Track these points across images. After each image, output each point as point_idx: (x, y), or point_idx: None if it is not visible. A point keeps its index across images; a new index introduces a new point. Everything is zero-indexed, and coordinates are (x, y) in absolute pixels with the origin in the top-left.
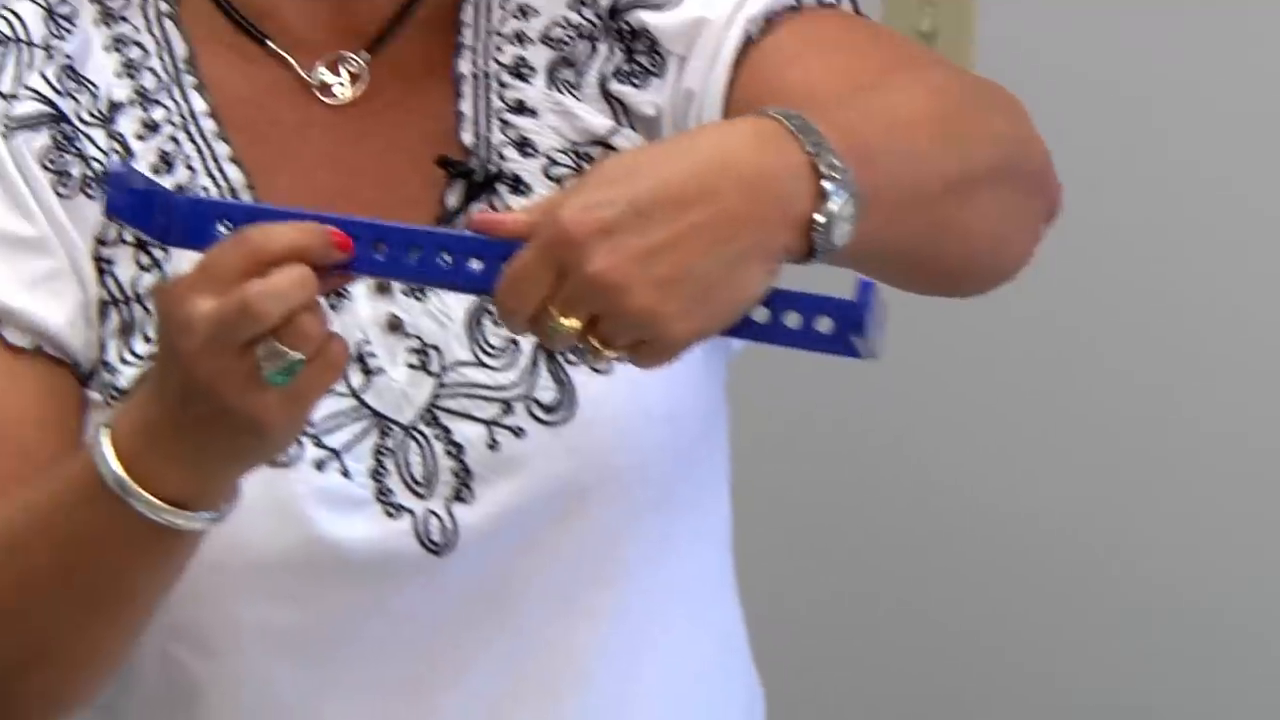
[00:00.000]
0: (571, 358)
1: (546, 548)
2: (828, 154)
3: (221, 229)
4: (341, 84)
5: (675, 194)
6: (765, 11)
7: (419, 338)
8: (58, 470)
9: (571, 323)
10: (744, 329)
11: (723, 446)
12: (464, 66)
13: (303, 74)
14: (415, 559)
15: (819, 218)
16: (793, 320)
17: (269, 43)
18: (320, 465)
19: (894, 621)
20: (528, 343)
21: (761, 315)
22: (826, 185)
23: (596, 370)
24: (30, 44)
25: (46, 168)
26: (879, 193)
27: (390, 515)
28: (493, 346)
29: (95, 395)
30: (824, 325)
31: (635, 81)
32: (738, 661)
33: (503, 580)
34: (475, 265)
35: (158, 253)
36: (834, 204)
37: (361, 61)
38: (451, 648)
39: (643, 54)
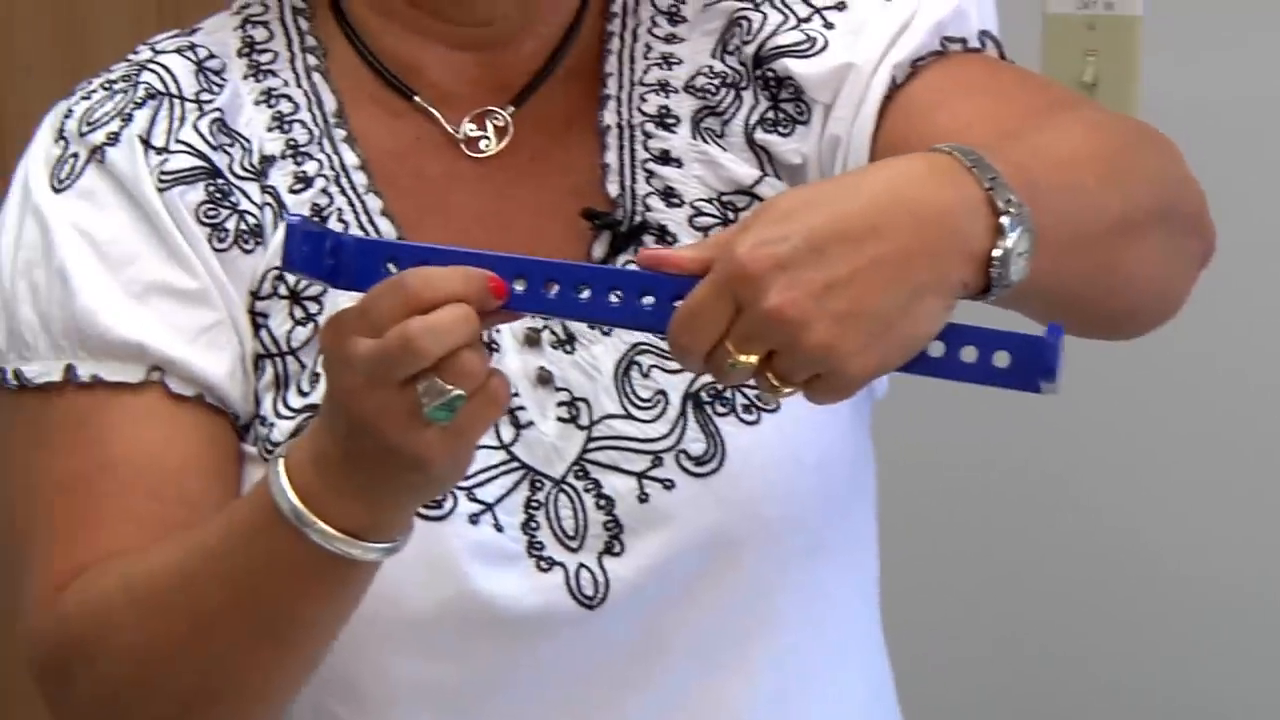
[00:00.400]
0: (720, 409)
1: (697, 599)
2: (1004, 189)
3: (389, 269)
4: (487, 139)
5: (851, 229)
6: (911, 56)
7: (568, 390)
8: (226, 511)
9: (748, 359)
10: (920, 364)
11: (870, 492)
12: (608, 117)
13: (448, 128)
14: (567, 612)
15: (997, 253)
16: (969, 355)
17: (416, 98)
18: (474, 519)
19: (1045, 672)
20: (676, 394)
21: (937, 350)
22: (1004, 220)
23: (745, 421)
24: (182, 98)
25: (202, 221)
26: (1047, 230)
27: (542, 569)
28: (641, 399)
29: (250, 449)
30: (1001, 360)
31: (781, 130)
32: (886, 713)
33: (654, 632)
34: (647, 302)
35: (312, 306)
36: (1011, 239)
37: (506, 116)
38: (602, 700)
39: (788, 102)
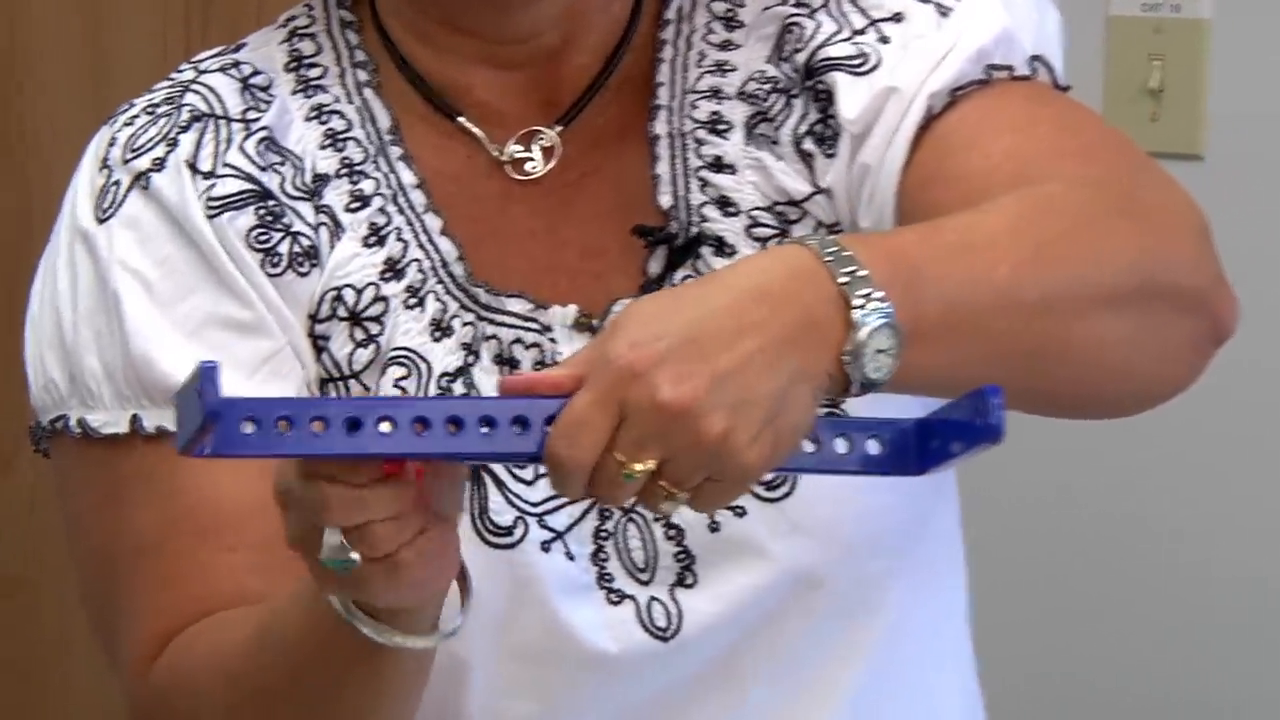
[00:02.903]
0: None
1: (776, 627)
2: (861, 284)
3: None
4: (533, 160)
5: (724, 325)
6: (950, 85)
7: None
8: (291, 589)
9: (646, 465)
10: (796, 460)
11: (953, 511)
12: (659, 127)
13: (493, 152)
14: (640, 645)
15: (847, 347)
16: (841, 445)
17: (460, 119)
18: (545, 546)
19: (1139, 700)
20: None
21: (810, 446)
22: (854, 315)
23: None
24: (228, 118)
25: (254, 247)
26: (931, 320)
27: (613, 602)
28: None
29: None
30: (873, 447)
31: (826, 149)
32: None
33: (731, 662)
34: (518, 432)
35: (373, 327)
36: (862, 334)
37: (553, 135)
38: None
39: (834, 118)
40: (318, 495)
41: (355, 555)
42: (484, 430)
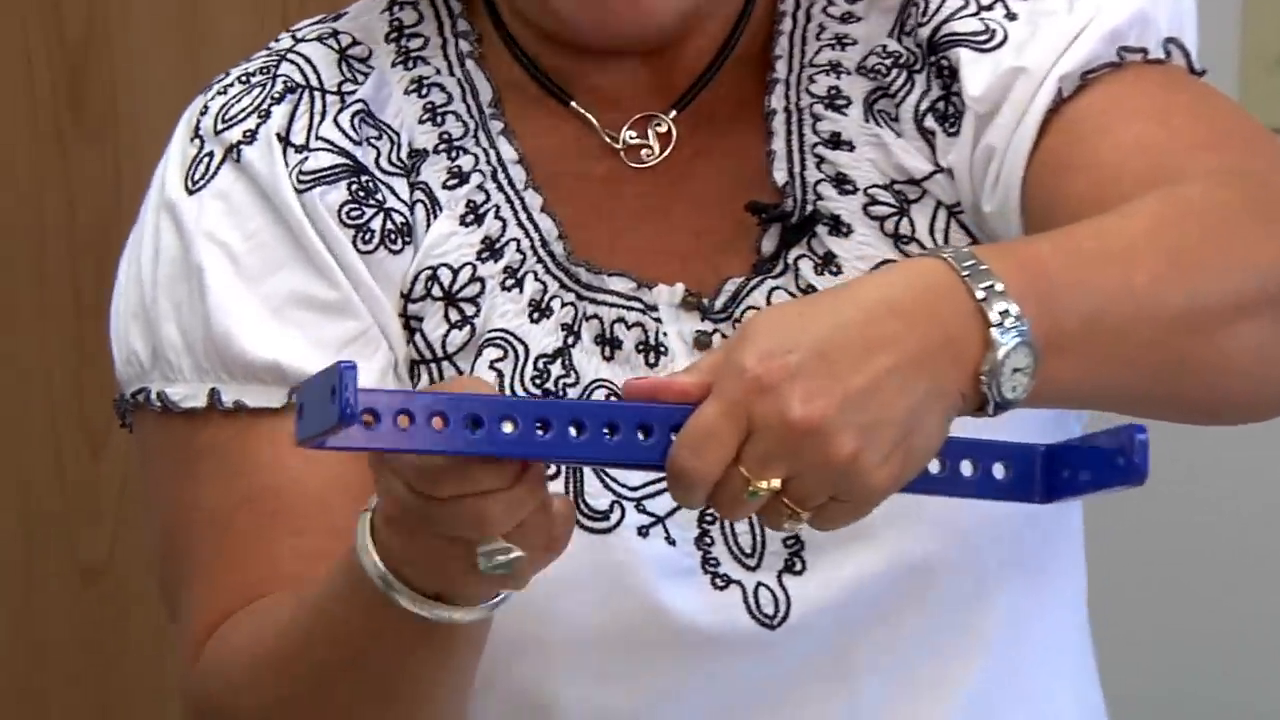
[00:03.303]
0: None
1: (888, 618)
2: (999, 300)
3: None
4: (649, 148)
5: (855, 339)
6: (1082, 67)
7: None
8: (335, 564)
9: (771, 484)
10: (921, 482)
11: (1077, 510)
12: (775, 102)
13: (607, 139)
14: (745, 631)
15: (985, 367)
16: (967, 468)
17: (573, 103)
18: (643, 531)
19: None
20: None
21: (935, 466)
22: (993, 333)
23: None
24: (323, 90)
25: (345, 223)
26: (1068, 335)
27: (718, 587)
28: None
29: None
30: (999, 471)
31: (948, 126)
32: None
33: (839, 653)
34: (643, 438)
35: (468, 308)
36: (1000, 353)
37: (669, 121)
38: None
39: (957, 95)
40: (474, 510)
41: (518, 552)
42: (606, 435)
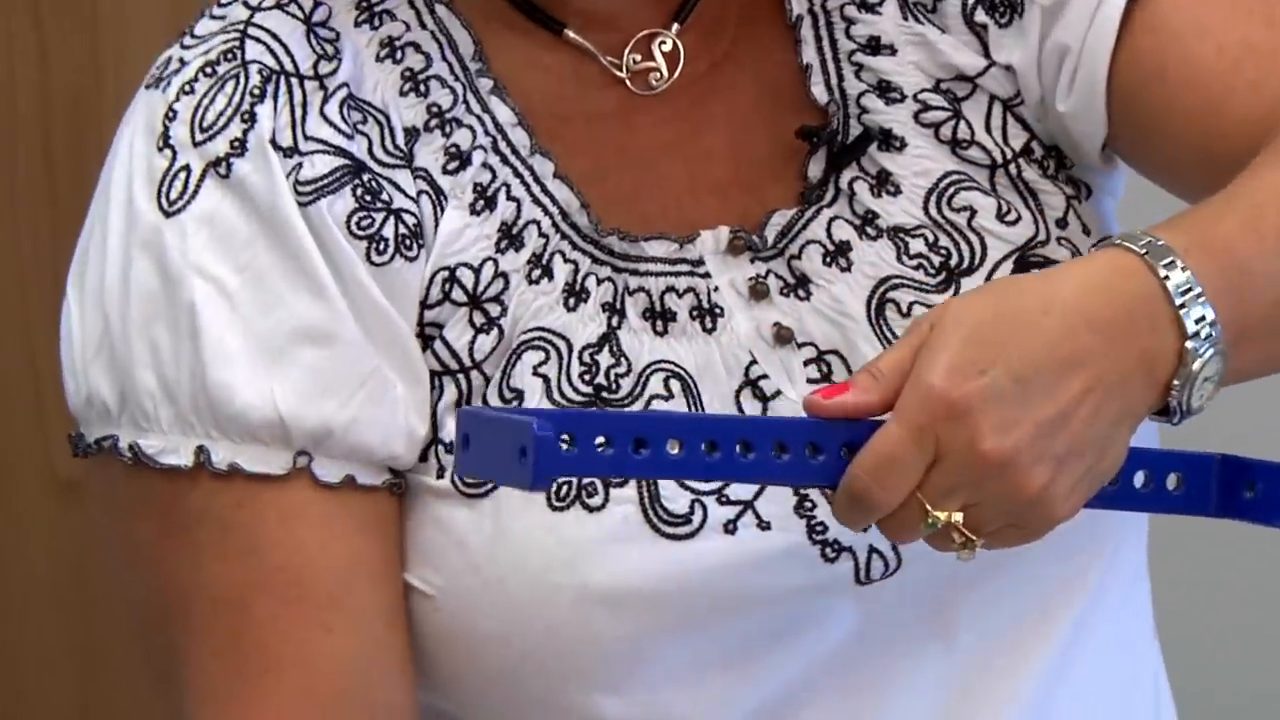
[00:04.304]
0: None
1: (985, 582)
2: (1196, 306)
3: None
4: (657, 70)
5: (1050, 359)
6: None
7: (814, 345)
8: None
9: (952, 516)
10: (1094, 499)
11: None
12: (797, 5)
13: (608, 66)
14: (847, 590)
15: (1177, 381)
16: (1140, 479)
17: (566, 31)
18: (730, 526)
19: None
20: None
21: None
22: (1190, 345)
23: None
24: (299, 75)
25: (356, 235)
26: (1254, 324)
27: (828, 559)
28: None
29: (429, 480)
30: (1172, 482)
31: (999, 17)
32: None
33: (943, 609)
34: (809, 455)
35: (493, 309)
36: (1196, 365)
37: (673, 38)
38: (881, 685)
39: None
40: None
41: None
42: (774, 454)
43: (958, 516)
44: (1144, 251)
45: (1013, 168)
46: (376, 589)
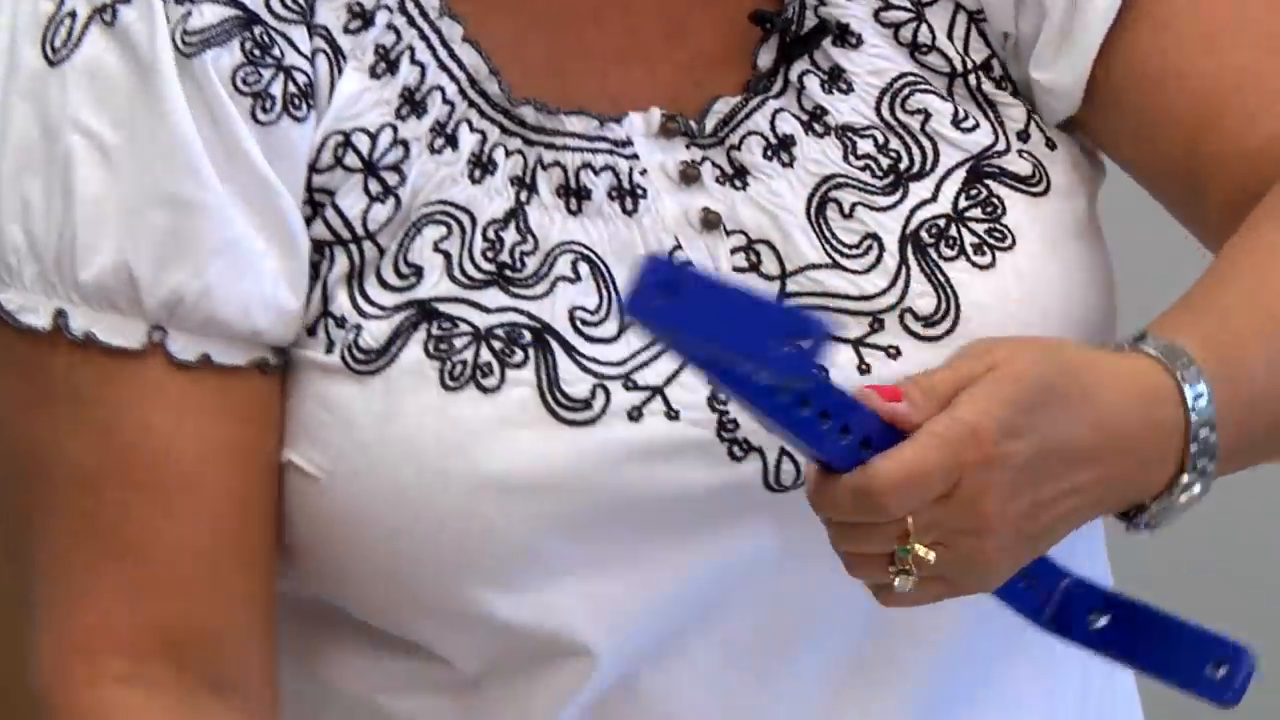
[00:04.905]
0: (947, 251)
1: None
2: (1205, 453)
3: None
4: None
5: (1077, 448)
6: None
7: (743, 233)
8: None
9: (926, 553)
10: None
11: None
12: None
13: None
14: (758, 500)
15: (1154, 505)
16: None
17: None
18: (635, 414)
19: None
20: (891, 237)
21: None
22: (1184, 478)
23: (977, 265)
24: None
25: (240, 91)
26: (1248, 443)
27: (735, 458)
28: (846, 244)
29: (317, 355)
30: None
31: None
32: None
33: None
34: (841, 435)
35: (391, 178)
36: (1182, 499)
37: None
38: (804, 606)
39: None
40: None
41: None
42: (806, 412)
43: (925, 552)
44: (1181, 379)
45: (972, 79)
46: (233, 475)
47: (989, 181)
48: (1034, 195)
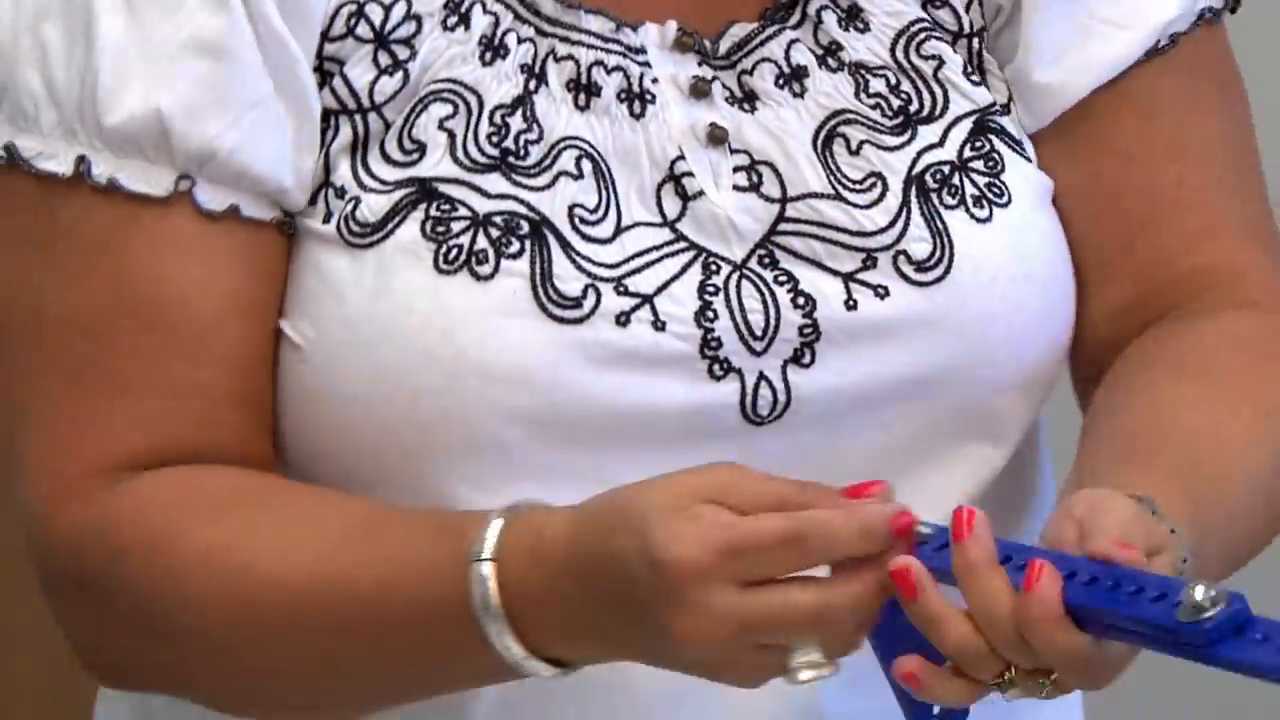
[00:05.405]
0: (949, 199)
1: (885, 428)
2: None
3: None
4: None
5: None
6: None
7: (747, 153)
8: (387, 553)
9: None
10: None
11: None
12: None
13: None
14: (731, 428)
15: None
16: None
17: None
18: (623, 319)
19: None
20: (896, 178)
21: None
22: None
23: (976, 217)
24: None
25: None
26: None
27: (715, 377)
28: (851, 179)
29: (317, 225)
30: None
31: None
32: None
33: (824, 457)
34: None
35: (401, 51)
36: None
37: None
38: None
39: None
40: (801, 613)
41: (833, 668)
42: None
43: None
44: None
45: (975, 42)
46: (251, 330)
47: (991, 136)
48: (1024, 159)
